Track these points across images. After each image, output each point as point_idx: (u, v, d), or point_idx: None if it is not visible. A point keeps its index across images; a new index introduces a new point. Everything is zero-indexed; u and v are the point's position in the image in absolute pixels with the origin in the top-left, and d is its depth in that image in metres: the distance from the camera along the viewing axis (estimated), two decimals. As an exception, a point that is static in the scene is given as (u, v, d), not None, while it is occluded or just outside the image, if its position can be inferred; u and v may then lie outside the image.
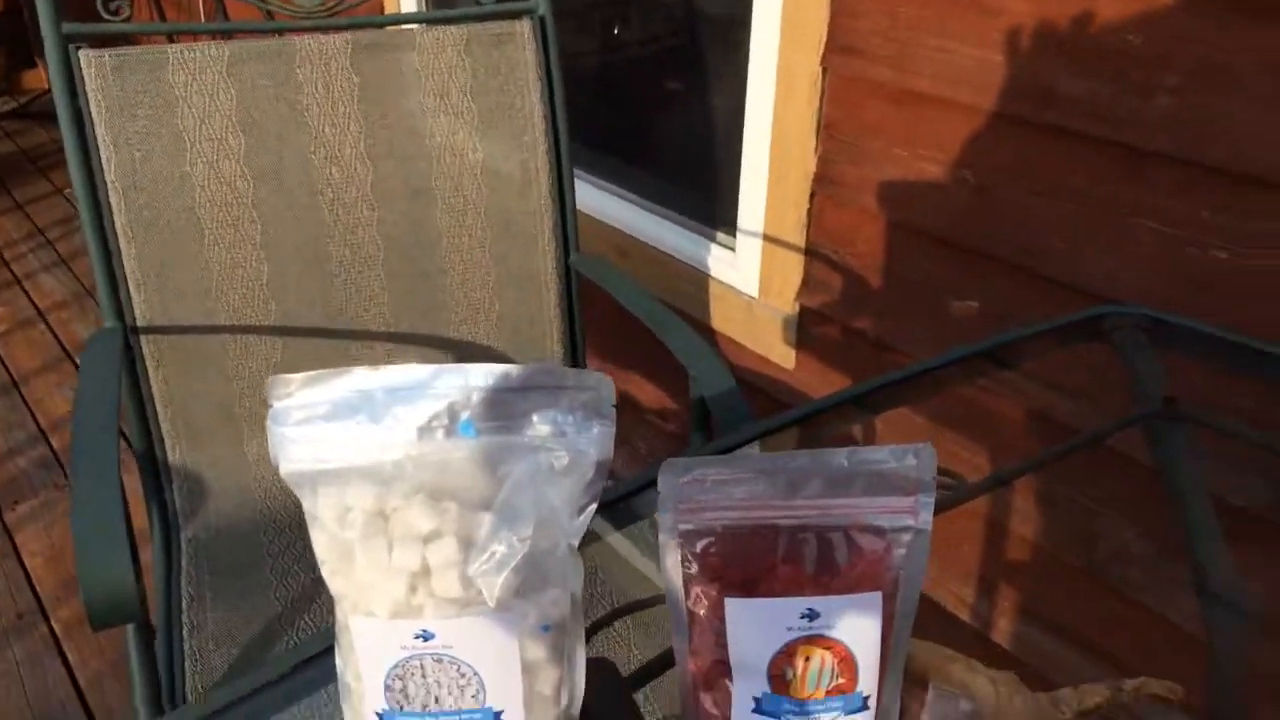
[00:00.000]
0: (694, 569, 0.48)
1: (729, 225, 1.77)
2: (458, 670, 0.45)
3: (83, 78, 1.10)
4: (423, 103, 1.25)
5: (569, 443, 0.45)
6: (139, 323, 1.15)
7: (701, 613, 0.49)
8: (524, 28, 1.28)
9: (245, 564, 1.15)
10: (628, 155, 2.12)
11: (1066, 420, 0.89)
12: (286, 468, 0.44)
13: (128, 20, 1.16)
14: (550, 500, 0.45)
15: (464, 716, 0.46)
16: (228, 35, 1.20)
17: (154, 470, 1.18)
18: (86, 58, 1.11)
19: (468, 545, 0.45)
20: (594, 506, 0.46)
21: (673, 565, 0.49)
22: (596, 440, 0.46)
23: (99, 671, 1.71)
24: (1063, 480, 0.81)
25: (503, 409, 0.45)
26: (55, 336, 2.74)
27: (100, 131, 1.11)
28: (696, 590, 0.49)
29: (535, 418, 0.45)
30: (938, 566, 0.69)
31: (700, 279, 1.82)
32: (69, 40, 1.11)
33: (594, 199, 2.05)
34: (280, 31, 1.23)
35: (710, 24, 1.92)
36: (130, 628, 0.90)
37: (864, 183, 1.52)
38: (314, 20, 1.21)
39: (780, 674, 0.48)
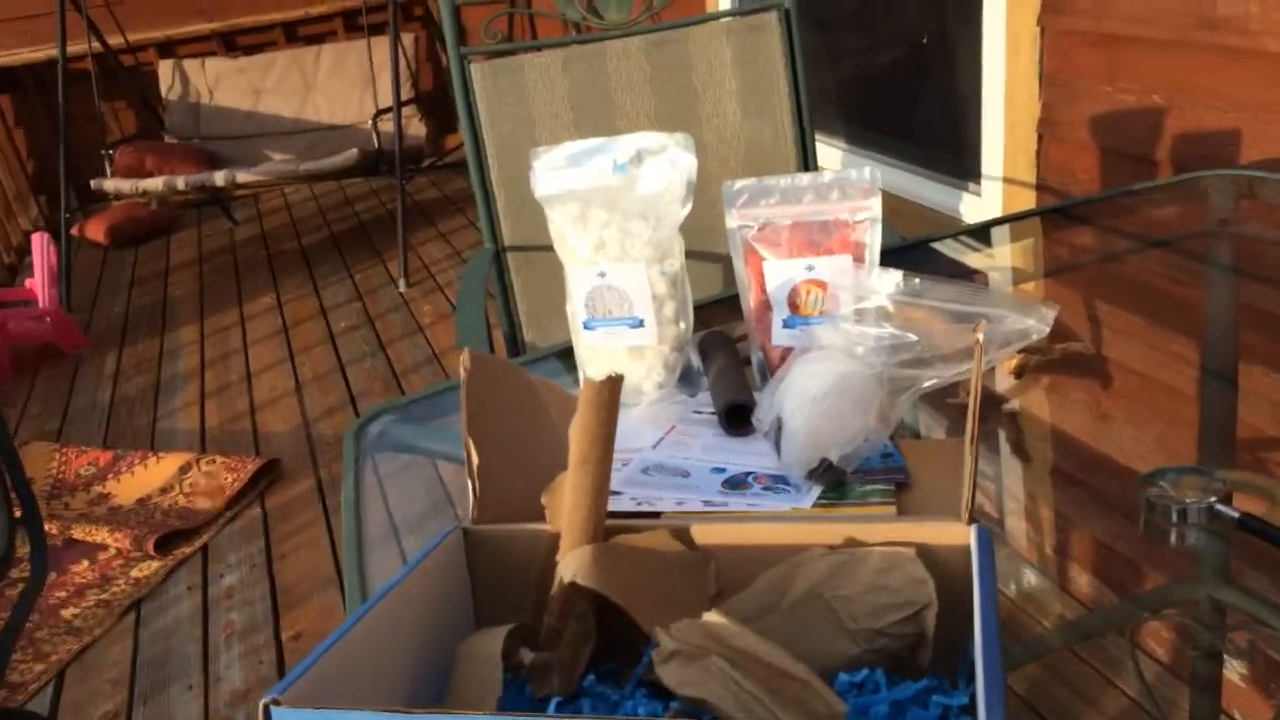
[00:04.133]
0: (748, 248, 0.87)
1: (975, 175, 2.06)
2: (618, 295, 0.87)
3: (471, 79, 1.66)
4: (696, 80, 1.70)
5: (677, 173, 0.86)
6: (505, 244, 1.69)
7: (752, 273, 0.87)
8: (772, 18, 1.70)
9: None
10: (891, 129, 2.45)
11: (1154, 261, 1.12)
12: (539, 193, 0.89)
13: (499, 41, 1.72)
14: (667, 205, 0.86)
15: (624, 321, 0.88)
16: (564, 45, 1.72)
17: (515, 345, 1.71)
18: (473, 67, 1.67)
19: (624, 231, 0.87)
20: (689, 204, 0.86)
21: (736, 247, 0.88)
22: (686, 170, 0.86)
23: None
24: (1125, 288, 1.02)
25: (641, 154, 0.87)
26: (465, 324, 3.50)
27: (481, 115, 1.67)
28: (750, 259, 0.87)
29: (659, 159, 0.87)
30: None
31: (956, 224, 2.12)
32: (464, 57, 1.68)
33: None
34: (597, 40, 1.74)
35: (949, 6, 2.22)
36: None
37: (1078, 120, 1.77)
38: (620, 30, 1.71)
39: (794, 303, 0.85)
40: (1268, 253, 1.07)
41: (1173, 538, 0.68)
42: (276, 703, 0.37)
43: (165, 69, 4.80)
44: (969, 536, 0.52)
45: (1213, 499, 0.67)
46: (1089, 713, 0.60)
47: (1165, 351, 0.94)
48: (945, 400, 0.86)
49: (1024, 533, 0.77)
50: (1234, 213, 1.19)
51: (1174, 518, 0.68)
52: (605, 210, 0.87)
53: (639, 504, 0.71)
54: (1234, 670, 0.60)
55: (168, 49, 5.10)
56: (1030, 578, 0.71)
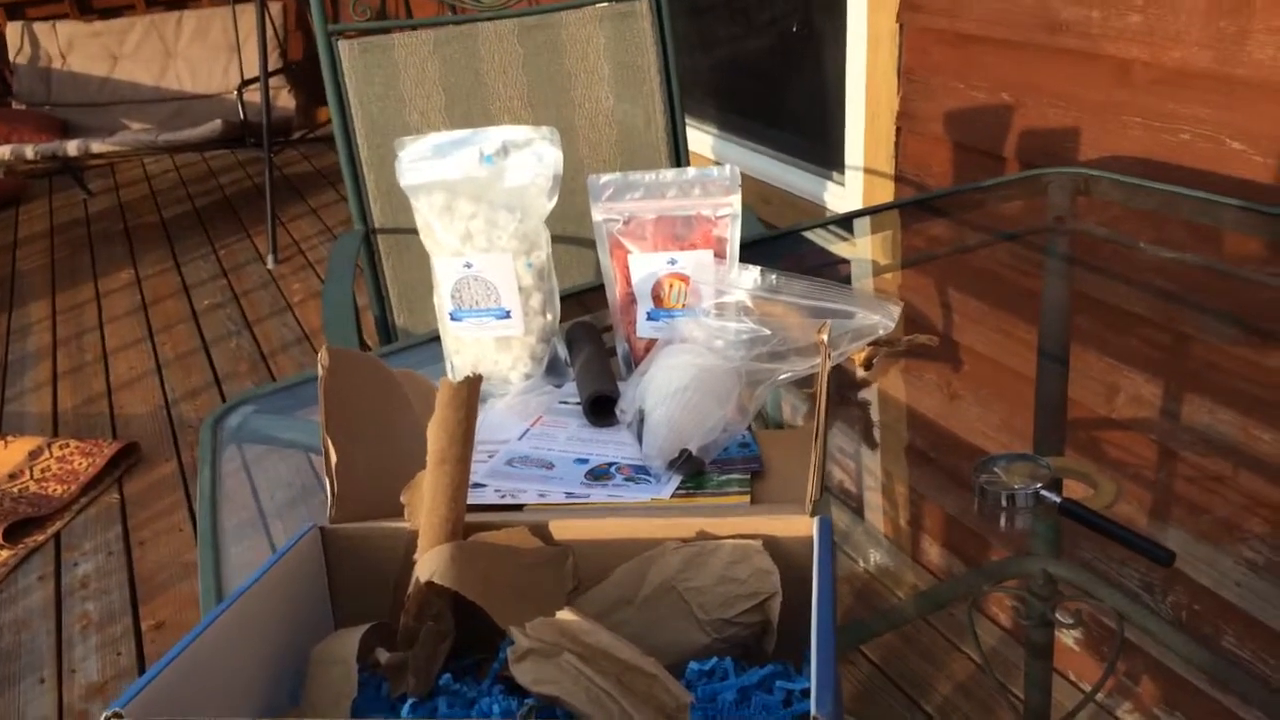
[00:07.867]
0: (613, 240, 0.89)
1: (839, 165, 2.12)
2: (484, 286, 0.88)
3: (339, 57, 1.63)
4: (569, 64, 1.71)
5: (543, 167, 0.87)
6: (376, 225, 1.66)
7: (618, 265, 0.89)
8: (644, 5, 1.71)
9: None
10: (761, 117, 2.51)
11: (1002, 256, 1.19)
12: (404, 183, 0.89)
13: (368, 20, 1.68)
14: (534, 198, 0.87)
15: (490, 312, 0.88)
16: (436, 25, 1.70)
17: (386, 329, 1.69)
18: (341, 44, 1.63)
19: (490, 223, 0.87)
20: (555, 197, 0.87)
21: (601, 240, 0.89)
22: (552, 163, 0.87)
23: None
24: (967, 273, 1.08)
25: (507, 146, 0.88)
26: (336, 303, 3.43)
27: (350, 94, 1.63)
28: (615, 252, 0.89)
29: (525, 152, 0.87)
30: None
31: (821, 212, 2.18)
32: (331, 35, 1.64)
33: (741, 156, 2.45)
34: (469, 21, 1.72)
35: (818, 6, 2.28)
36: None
37: (933, 115, 1.84)
38: (492, 11, 1.70)
39: (658, 296, 0.87)
40: (1099, 247, 1.14)
41: (1003, 521, 0.73)
42: (119, 715, 0.36)
43: (13, 31, 4.52)
44: (812, 528, 0.55)
45: (1039, 485, 0.72)
46: (937, 677, 0.64)
47: (1010, 338, 1.00)
48: (804, 390, 0.90)
49: (881, 508, 0.81)
50: (1071, 209, 1.27)
51: (1004, 502, 0.73)
52: (472, 202, 0.87)
53: (503, 496, 0.72)
54: (1068, 636, 0.65)
55: (16, 10, 4.81)
56: (886, 551, 0.75)
